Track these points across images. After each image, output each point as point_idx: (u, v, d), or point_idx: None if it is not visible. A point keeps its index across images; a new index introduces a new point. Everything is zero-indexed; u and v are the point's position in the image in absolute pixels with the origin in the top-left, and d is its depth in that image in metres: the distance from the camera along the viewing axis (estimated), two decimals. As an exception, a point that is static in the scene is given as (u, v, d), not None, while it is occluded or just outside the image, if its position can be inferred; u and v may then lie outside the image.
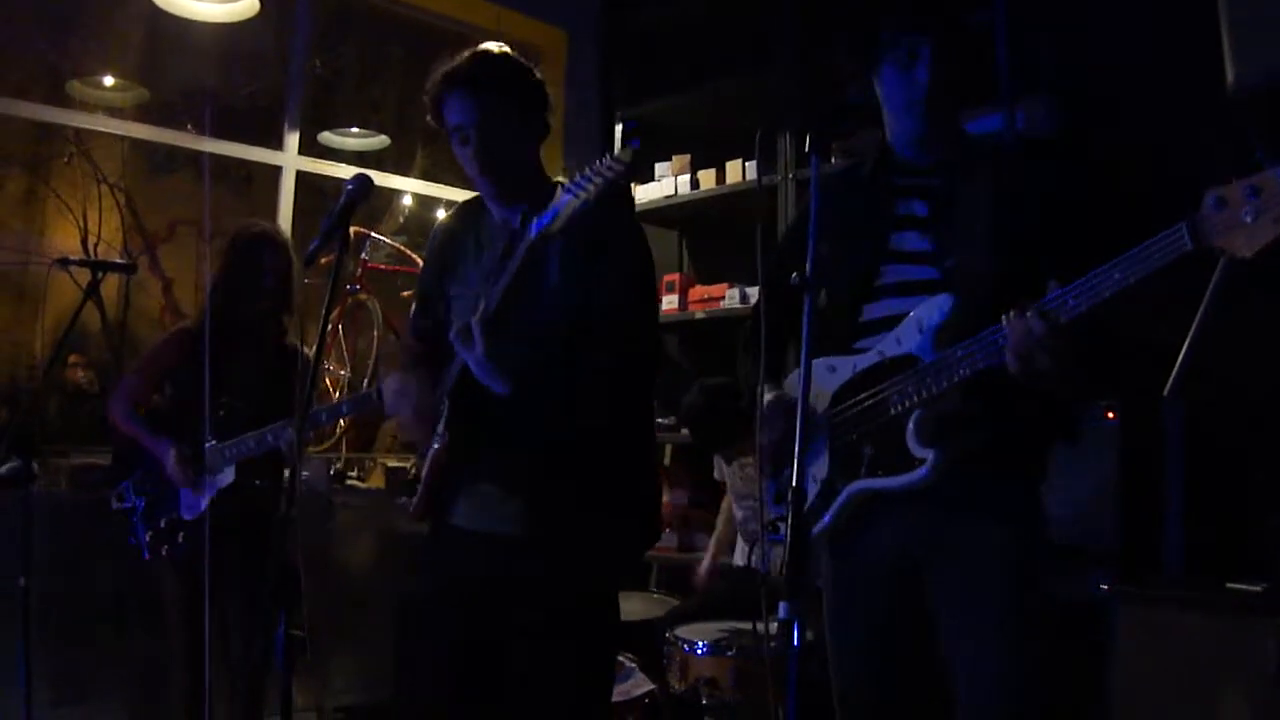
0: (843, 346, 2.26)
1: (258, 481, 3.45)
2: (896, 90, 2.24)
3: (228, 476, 3.39)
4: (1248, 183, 1.67)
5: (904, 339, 2.13)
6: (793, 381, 2.32)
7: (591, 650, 2.35)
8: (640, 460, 2.47)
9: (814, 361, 2.08)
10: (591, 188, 1.98)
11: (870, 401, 2.16)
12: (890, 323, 2.17)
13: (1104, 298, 1.83)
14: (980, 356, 1.99)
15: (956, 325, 2.05)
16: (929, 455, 2.06)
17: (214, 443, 3.36)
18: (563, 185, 2.03)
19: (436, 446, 2.33)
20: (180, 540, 3.39)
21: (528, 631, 2.29)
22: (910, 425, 2.08)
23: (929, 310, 2.10)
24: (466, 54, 2.38)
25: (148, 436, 3.46)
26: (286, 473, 2.33)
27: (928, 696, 2.16)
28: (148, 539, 3.43)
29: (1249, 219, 1.66)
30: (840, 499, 2.21)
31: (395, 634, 2.54)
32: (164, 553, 3.40)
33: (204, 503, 3.39)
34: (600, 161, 1.98)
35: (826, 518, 2.22)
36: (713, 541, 4.56)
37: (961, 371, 2.01)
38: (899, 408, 2.10)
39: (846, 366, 2.23)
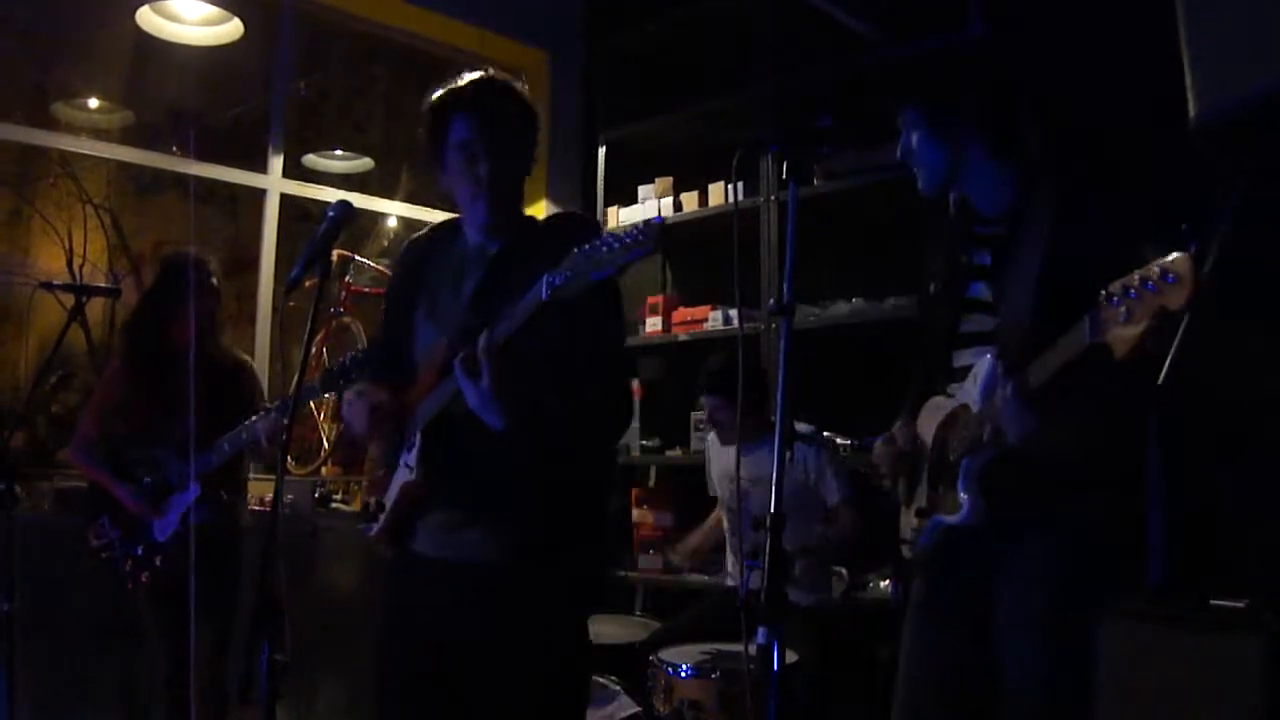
0: (942, 389, 2.43)
1: (223, 494, 3.52)
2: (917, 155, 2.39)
3: (193, 491, 3.42)
4: (1123, 281, 1.69)
5: (968, 391, 2.29)
6: (935, 404, 2.44)
7: (563, 675, 2.35)
8: (602, 488, 2.55)
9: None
10: (613, 258, 1.97)
11: (944, 445, 2.34)
12: (969, 372, 2.31)
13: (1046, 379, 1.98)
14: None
15: (997, 384, 2.18)
16: (966, 501, 2.23)
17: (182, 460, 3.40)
18: (579, 249, 2.00)
19: (411, 479, 2.33)
20: (158, 564, 3.42)
21: (497, 658, 2.28)
22: (961, 471, 2.25)
23: (983, 367, 2.24)
24: (476, 76, 2.38)
25: (107, 478, 3.53)
26: (268, 496, 2.33)
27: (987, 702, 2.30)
28: (128, 568, 3.46)
29: (1124, 319, 1.70)
30: (929, 526, 2.40)
31: (375, 664, 2.51)
32: (144, 579, 3.43)
33: (174, 520, 3.43)
34: (625, 234, 1.96)
35: (921, 541, 2.42)
36: (700, 531, 4.56)
37: (990, 430, 2.15)
38: (955, 454, 2.28)
39: (946, 407, 2.39)
